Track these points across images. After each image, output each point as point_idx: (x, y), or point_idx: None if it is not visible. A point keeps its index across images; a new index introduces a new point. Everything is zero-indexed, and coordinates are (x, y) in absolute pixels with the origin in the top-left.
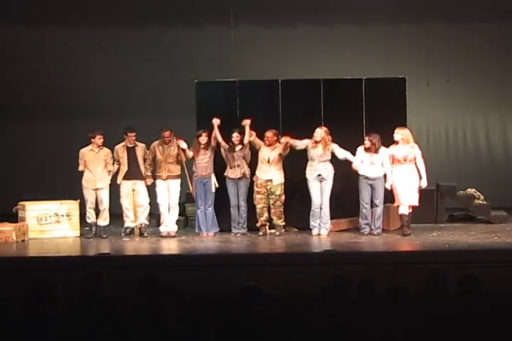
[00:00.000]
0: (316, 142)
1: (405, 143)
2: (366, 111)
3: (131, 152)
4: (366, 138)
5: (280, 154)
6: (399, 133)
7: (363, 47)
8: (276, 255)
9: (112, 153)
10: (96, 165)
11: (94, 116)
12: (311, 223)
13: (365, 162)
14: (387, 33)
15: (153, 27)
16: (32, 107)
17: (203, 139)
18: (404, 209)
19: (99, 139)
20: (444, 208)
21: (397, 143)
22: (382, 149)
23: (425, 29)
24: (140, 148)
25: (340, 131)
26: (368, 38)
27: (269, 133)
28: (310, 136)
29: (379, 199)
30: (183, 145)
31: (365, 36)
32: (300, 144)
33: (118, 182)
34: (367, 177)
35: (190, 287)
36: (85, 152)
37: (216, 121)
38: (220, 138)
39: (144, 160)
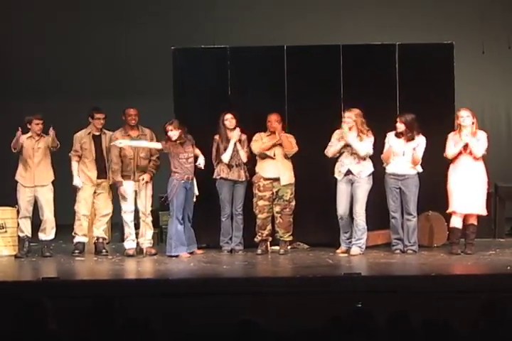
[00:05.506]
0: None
1: (475, 129)
2: (401, 88)
3: (97, 142)
4: (398, 119)
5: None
6: (470, 117)
7: (397, 6)
8: (280, 280)
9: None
10: (35, 156)
11: (43, 96)
12: (341, 237)
13: (396, 153)
14: None
15: None
16: None
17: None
18: (457, 222)
19: (36, 125)
20: (504, 217)
21: (459, 129)
22: (420, 138)
23: None
24: (108, 138)
25: (365, 115)
26: None
27: (273, 117)
28: (324, 122)
29: (412, 206)
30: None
31: None
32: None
33: (75, 183)
34: (395, 175)
35: (164, 322)
36: (24, 138)
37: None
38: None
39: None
